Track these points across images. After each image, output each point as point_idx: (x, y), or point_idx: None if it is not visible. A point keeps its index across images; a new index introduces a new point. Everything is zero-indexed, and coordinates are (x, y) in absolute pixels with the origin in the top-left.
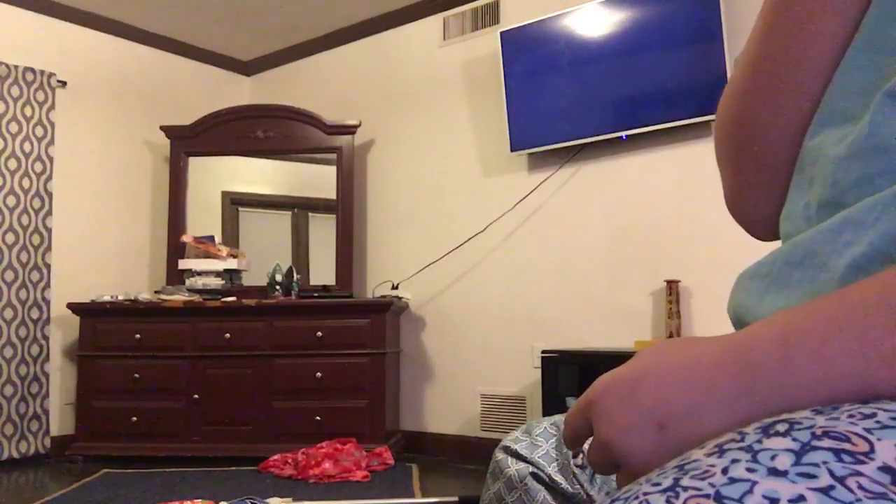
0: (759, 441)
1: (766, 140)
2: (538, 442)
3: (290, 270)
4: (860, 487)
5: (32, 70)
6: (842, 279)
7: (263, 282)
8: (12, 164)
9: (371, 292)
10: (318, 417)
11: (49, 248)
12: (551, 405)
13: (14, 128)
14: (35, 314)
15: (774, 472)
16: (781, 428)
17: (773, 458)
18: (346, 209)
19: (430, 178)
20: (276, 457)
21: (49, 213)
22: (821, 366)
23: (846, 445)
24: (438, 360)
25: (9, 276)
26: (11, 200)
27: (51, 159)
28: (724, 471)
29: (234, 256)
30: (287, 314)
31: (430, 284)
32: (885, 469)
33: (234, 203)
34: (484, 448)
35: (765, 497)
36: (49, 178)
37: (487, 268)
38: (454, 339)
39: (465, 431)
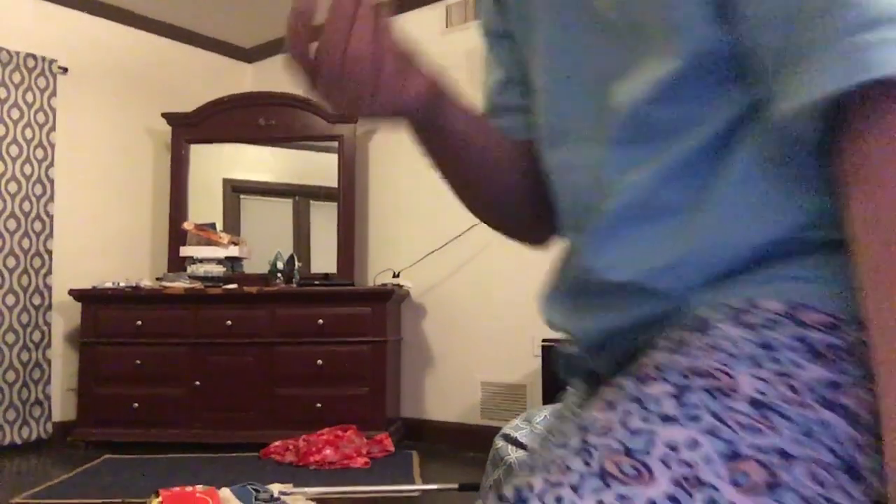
0: (639, 388)
1: None
2: (538, 430)
3: (291, 258)
4: (737, 423)
5: (34, 56)
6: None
7: (265, 269)
8: (14, 150)
9: (372, 280)
10: (318, 405)
11: (51, 235)
12: (551, 394)
13: (15, 114)
14: (37, 300)
15: (666, 419)
16: (652, 373)
17: (658, 403)
18: (348, 197)
19: (432, 167)
20: (277, 443)
21: (51, 199)
22: None
23: (714, 382)
24: (439, 349)
25: (10, 262)
26: (13, 187)
27: (52, 146)
28: (623, 423)
29: (236, 244)
30: (288, 302)
31: (432, 273)
32: (750, 402)
33: (236, 190)
34: (484, 436)
35: (667, 446)
36: (51, 164)
37: (489, 256)
38: (455, 328)
39: (466, 419)
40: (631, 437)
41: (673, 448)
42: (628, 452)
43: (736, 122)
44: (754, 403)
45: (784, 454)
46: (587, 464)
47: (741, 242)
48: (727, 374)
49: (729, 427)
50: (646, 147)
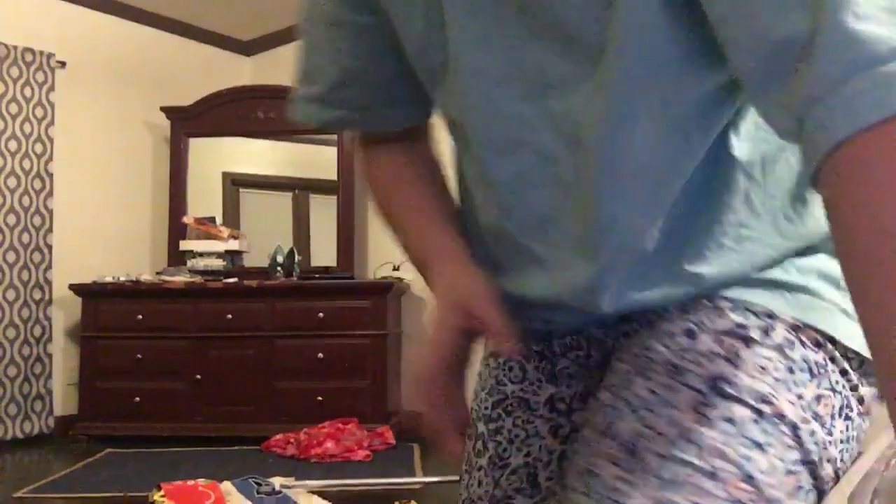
0: (726, 407)
1: None
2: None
3: (291, 252)
4: (786, 446)
5: (31, 51)
6: None
7: (265, 263)
8: (12, 145)
9: (372, 274)
10: (319, 398)
11: (50, 230)
12: None
13: (14, 109)
14: (37, 295)
15: (756, 445)
16: (728, 389)
17: (747, 429)
18: (347, 190)
19: None
20: (278, 437)
21: (50, 194)
22: None
23: (773, 409)
24: None
25: (10, 257)
26: (12, 181)
27: (51, 140)
28: (730, 446)
29: (235, 237)
30: (288, 295)
31: None
32: (790, 426)
33: (235, 184)
34: None
35: (760, 471)
36: (49, 159)
37: None
38: None
39: None
40: (743, 463)
41: (764, 473)
42: (745, 479)
43: (719, 154)
44: (791, 426)
45: (805, 463)
46: (725, 490)
47: (739, 272)
48: (776, 398)
49: (782, 449)
50: (634, 188)
